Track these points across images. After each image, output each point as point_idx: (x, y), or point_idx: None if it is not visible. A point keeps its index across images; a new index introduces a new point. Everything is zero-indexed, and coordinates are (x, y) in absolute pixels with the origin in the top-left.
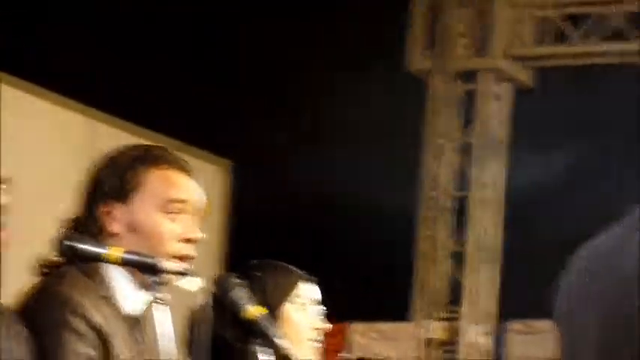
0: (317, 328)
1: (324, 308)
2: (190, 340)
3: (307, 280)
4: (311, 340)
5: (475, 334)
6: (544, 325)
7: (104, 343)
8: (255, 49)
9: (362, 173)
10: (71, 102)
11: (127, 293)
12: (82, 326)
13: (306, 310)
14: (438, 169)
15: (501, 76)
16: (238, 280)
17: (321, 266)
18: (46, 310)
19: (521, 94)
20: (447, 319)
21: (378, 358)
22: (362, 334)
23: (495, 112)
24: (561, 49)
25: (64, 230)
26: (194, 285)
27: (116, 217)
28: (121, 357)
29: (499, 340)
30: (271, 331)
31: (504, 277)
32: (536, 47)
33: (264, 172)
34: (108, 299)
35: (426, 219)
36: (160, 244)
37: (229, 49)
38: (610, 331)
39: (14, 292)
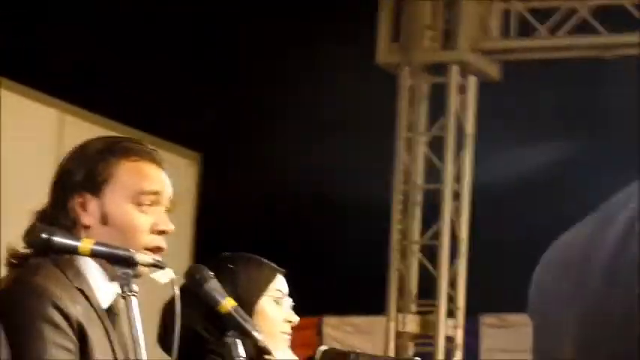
0: (289, 321)
1: (292, 301)
2: (162, 333)
3: (278, 272)
4: (284, 332)
5: (448, 328)
6: (517, 318)
7: (81, 335)
8: (254, 48)
9: (334, 166)
10: (40, 94)
11: (100, 285)
12: (59, 318)
13: (280, 302)
14: (409, 162)
15: (468, 70)
16: (211, 273)
17: (293, 259)
18: (21, 302)
19: (490, 87)
20: (421, 313)
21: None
22: (336, 328)
23: (463, 105)
24: (528, 42)
25: (35, 223)
26: (166, 277)
27: (88, 210)
28: (96, 349)
29: (472, 333)
30: (249, 325)
31: (477, 270)
32: (503, 40)
33: (234, 164)
34: (82, 291)
35: (398, 212)
36: (132, 236)
37: (228, 48)
38: (589, 328)
39: None
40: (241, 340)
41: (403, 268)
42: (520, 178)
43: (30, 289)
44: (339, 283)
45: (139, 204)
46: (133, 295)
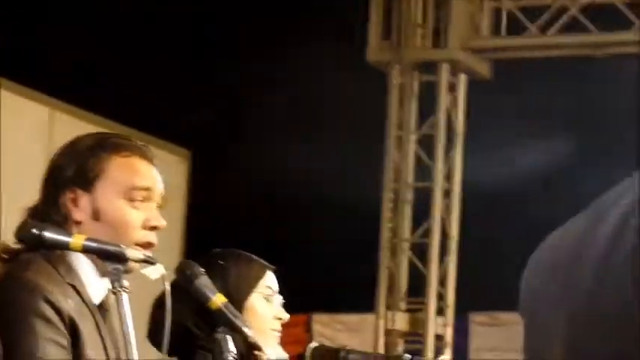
0: (279, 318)
1: (282, 298)
2: (152, 328)
3: (269, 269)
4: (273, 329)
5: (439, 326)
6: (507, 317)
7: (72, 330)
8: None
9: (325, 164)
10: (29, 91)
11: (91, 281)
12: (50, 313)
13: (270, 299)
14: (400, 160)
15: (459, 68)
16: (202, 269)
17: (283, 257)
18: (12, 297)
19: (480, 85)
20: (410, 311)
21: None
22: (325, 325)
23: (454, 103)
24: (519, 40)
25: (27, 218)
26: (157, 273)
27: (79, 205)
28: (88, 344)
29: (462, 331)
30: (240, 321)
31: (466, 268)
32: (494, 39)
33: (224, 162)
34: (74, 286)
35: (389, 210)
36: (124, 232)
37: (229, 48)
38: (580, 328)
39: None
40: (231, 336)
41: (393, 266)
42: (510, 176)
43: (21, 284)
44: (328, 281)
45: (131, 199)
46: (124, 290)
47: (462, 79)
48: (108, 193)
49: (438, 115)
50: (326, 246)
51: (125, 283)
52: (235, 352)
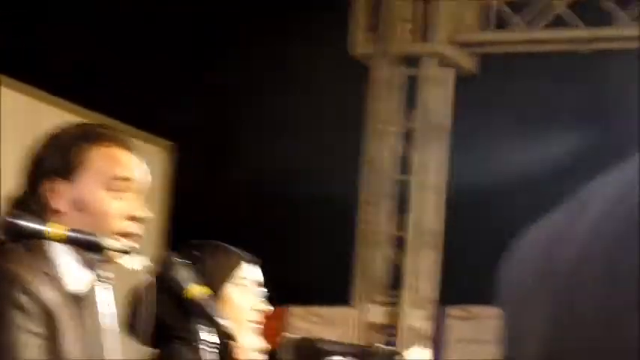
0: (258, 310)
1: (266, 291)
2: (132, 320)
3: (249, 261)
4: (251, 321)
5: (415, 319)
6: (484, 311)
7: (51, 321)
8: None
9: (303, 156)
10: (13, 81)
11: (72, 271)
12: (29, 304)
13: (247, 291)
14: (380, 153)
15: (444, 62)
16: (180, 260)
17: (262, 249)
18: None
19: (466, 80)
20: (388, 304)
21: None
22: (302, 318)
23: (438, 97)
24: (506, 35)
25: (7, 208)
26: (138, 264)
27: (60, 195)
28: (67, 335)
29: (439, 325)
30: (213, 311)
31: (445, 262)
32: (480, 33)
33: (207, 154)
34: (53, 277)
35: (367, 203)
36: (105, 222)
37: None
38: (558, 327)
39: None
40: (207, 325)
41: (369, 259)
42: (492, 171)
43: (0, 274)
44: (304, 274)
45: (112, 190)
46: (107, 281)
47: (448, 73)
48: (89, 183)
49: (421, 109)
50: (302, 238)
51: (109, 274)
52: (217, 342)
